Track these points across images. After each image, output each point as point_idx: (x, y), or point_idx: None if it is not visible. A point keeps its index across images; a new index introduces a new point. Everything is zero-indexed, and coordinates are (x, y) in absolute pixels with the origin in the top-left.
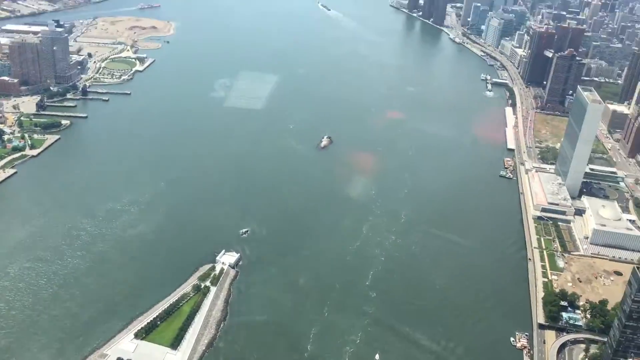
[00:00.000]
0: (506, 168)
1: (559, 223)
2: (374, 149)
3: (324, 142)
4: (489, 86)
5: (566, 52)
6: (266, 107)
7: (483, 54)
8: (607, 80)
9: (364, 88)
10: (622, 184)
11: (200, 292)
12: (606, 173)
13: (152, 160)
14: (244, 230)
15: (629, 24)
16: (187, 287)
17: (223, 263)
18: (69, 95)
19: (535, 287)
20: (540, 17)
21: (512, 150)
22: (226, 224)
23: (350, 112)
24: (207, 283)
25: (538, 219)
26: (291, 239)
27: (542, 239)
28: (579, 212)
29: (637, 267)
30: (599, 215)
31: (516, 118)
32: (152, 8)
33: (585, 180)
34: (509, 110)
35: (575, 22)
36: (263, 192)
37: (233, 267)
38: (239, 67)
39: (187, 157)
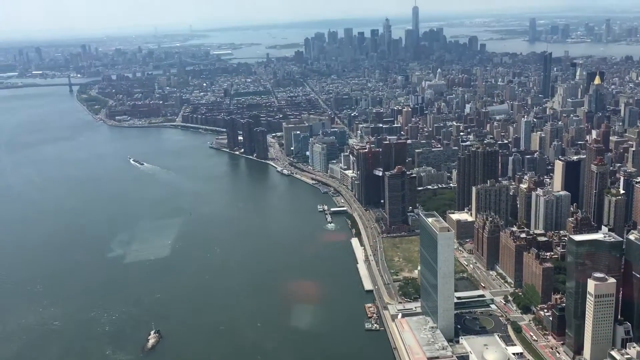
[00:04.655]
0: (369, 317)
1: None
2: (214, 329)
3: (151, 340)
4: (329, 217)
5: (395, 170)
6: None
7: (314, 181)
8: (439, 186)
9: (189, 254)
10: (492, 306)
11: None
12: (474, 298)
13: None
14: None
15: (441, 124)
16: None
17: None
18: None
19: None
20: (359, 132)
21: (371, 291)
22: None
23: (180, 289)
24: None
25: None
26: None
27: None
28: (463, 359)
29: None
30: None
31: (364, 250)
32: None
33: (455, 312)
34: (355, 242)
35: (396, 137)
36: None
37: None
38: None
39: None
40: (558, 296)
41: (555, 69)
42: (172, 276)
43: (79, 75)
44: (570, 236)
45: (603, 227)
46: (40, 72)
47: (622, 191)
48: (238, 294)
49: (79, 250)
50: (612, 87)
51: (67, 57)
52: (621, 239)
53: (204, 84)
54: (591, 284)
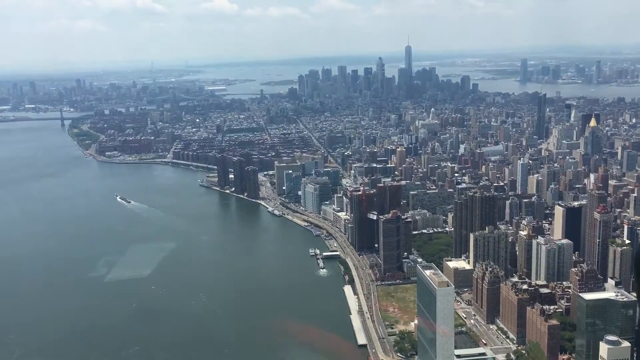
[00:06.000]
0: None
1: None
2: None
3: None
4: (321, 263)
5: (390, 215)
6: None
7: (306, 223)
8: (435, 230)
9: (173, 300)
10: None
11: None
12: (475, 357)
13: None
14: None
15: (435, 165)
16: None
17: None
18: None
19: None
20: (353, 172)
21: (364, 345)
22: None
23: (162, 341)
24: None
25: None
26: None
27: None
28: None
29: None
30: None
31: (358, 299)
32: None
33: None
34: (348, 290)
35: (390, 178)
36: None
37: None
38: None
39: None
40: (566, 357)
41: (548, 109)
42: (154, 325)
43: (72, 109)
44: (580, 295)
45: (609, 279)
46: (33, 105)
47: (626, 240)
48: (222, 347)
49: (54, 295)
50: (607, 129)
51: (61, 91)
52: (634, 299)
53: (197, 120)
54: (604, 348)
